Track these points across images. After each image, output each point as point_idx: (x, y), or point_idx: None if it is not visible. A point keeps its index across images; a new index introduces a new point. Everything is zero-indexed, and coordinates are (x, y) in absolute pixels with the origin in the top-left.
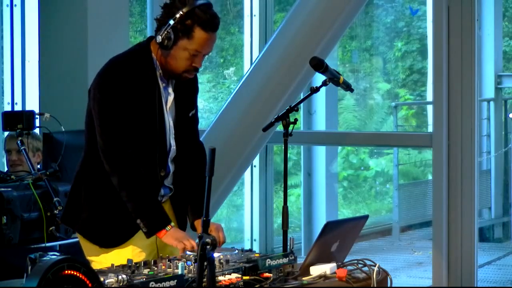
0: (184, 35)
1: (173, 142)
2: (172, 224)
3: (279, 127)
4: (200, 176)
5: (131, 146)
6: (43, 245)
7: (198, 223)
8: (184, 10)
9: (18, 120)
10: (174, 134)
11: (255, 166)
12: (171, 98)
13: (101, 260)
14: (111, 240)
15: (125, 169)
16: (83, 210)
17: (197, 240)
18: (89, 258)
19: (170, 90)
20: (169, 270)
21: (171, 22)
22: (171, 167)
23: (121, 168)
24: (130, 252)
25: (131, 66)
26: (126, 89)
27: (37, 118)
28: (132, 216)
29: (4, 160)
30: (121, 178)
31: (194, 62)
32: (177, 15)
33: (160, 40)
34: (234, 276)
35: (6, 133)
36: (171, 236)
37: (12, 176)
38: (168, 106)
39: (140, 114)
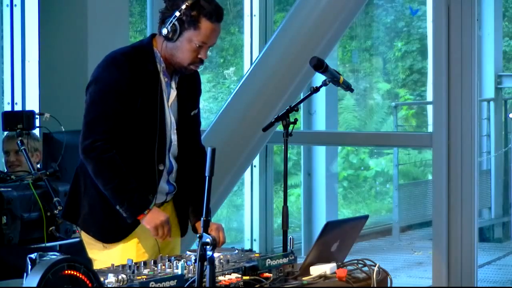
0: (190, 26)
1: (174, 137)
2: (150, 207)
3: (279, 127)
4: (201, 180)
5: (109, 139)
6: (43, 245)
7: (199, 225)
8: (189, 1)
9: (18, 120)
10: (176, 129)
11: (255, 166)
12: (173, 94)
13: (105, 258)
14: (112, 235)
15: (97, 159)
16: (83, 206)
17: (197, 241)
18: (92, 256)
19: (173, 86)
20: (169, 270)
21: (177, 13)
22: (174, 163)
23: (93, 158)
24: (135, 250)
25: (131, 59)
26: (122, 85)
27: (37, 118)
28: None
29: (4, 160)
30: (94, 167)
31: (200, 54)
32: (183, 7)
33: (166, 32)
34: (234, 276)
35: (4, 134)
36: (146, 220)
37: (12, 176)
38: (170, 102)
39: (139, 107)
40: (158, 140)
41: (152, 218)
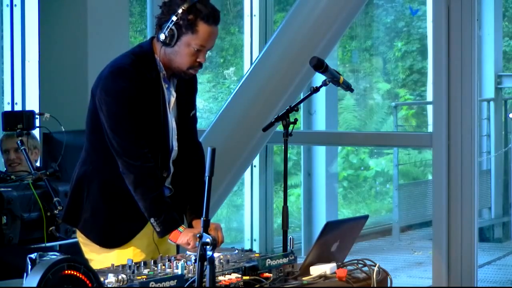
0: (187, 30)
1: (175, 143)
2: (184, 226)
3: (279, 127)
4: (198, 176)
5: (146, 146)
6: (43, 245)
7: (197, 223)
8: (186, 5)
9: (18, 120)
10: (176, 135)
11: (255, 166)
12: (173, 98)
13: (101, 259)
14: (112, 240)
15: (142, 168)
16: (85, 210)
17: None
18: (88, 257)
19: (173, 91)
20: (169, 270)
21: (174, 18)
22: (171, 167)
23: (138, 167)
24: (131, 253)
25: (136, 69)
26: (133, 92)
27: (37, 118)
28: (136, 216)
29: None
30: (137, 176)
31: (199, 58)
32: (179, 11)
33: (164, 38)
34: (234, 276)
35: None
36: (184, 234)
37: (12, 176)
38: (171, 107)
39: (145, 116)
40: (162, 148)
41: (189, 230)
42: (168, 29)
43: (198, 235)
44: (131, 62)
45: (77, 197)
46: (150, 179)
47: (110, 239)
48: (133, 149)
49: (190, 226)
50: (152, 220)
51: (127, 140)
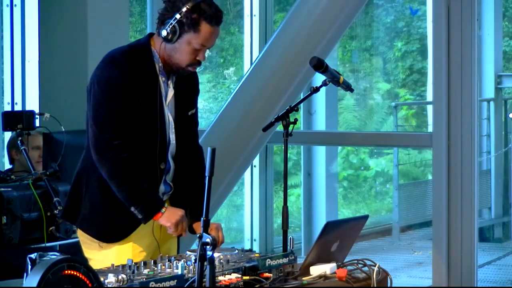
0: (190, 28)
1: (172, 137)
2: (166, 205)
3: (279, 127)
4: (198, 179)
5: (121, 138)
6: (43, 245)
7: (197, 226)
8: (190, 4)
9: (18, 120)
10: (174, 128)
11: (255, 166)
12: (171, 93)
13: (101, 258)
14: (110, 235)
15: (114, 159)
16: (84, 206)
17: (197, 241)
18: (88, 256)
19: (171, 85)
20: (169, 270)
21: (177, 15)
22: (172, 163)
23: (110, 158)
24: (131, 251)
25: (129, 59)
26: (124, 82)
27: (37, 118)
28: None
29: (4, 160)
30: (110, 168)
31: (198, 56)
32: (183, 9)
33: (165, 34)
34: (234, 276)
35: (6, 133)
36: (165, 218)
37: (12, 176)
38: (167, 101)
39: (139, 106)
40: (159, 139)
41: (171, 214)
42: (171, 26)
43: (198, 235)
44: (123, 52)
45: (76, 193)
46: (123, 170)
47: (109, 234)
48: (105, 140)
49: (190, 228)
50: (132, 208)
51: (104, 131)
